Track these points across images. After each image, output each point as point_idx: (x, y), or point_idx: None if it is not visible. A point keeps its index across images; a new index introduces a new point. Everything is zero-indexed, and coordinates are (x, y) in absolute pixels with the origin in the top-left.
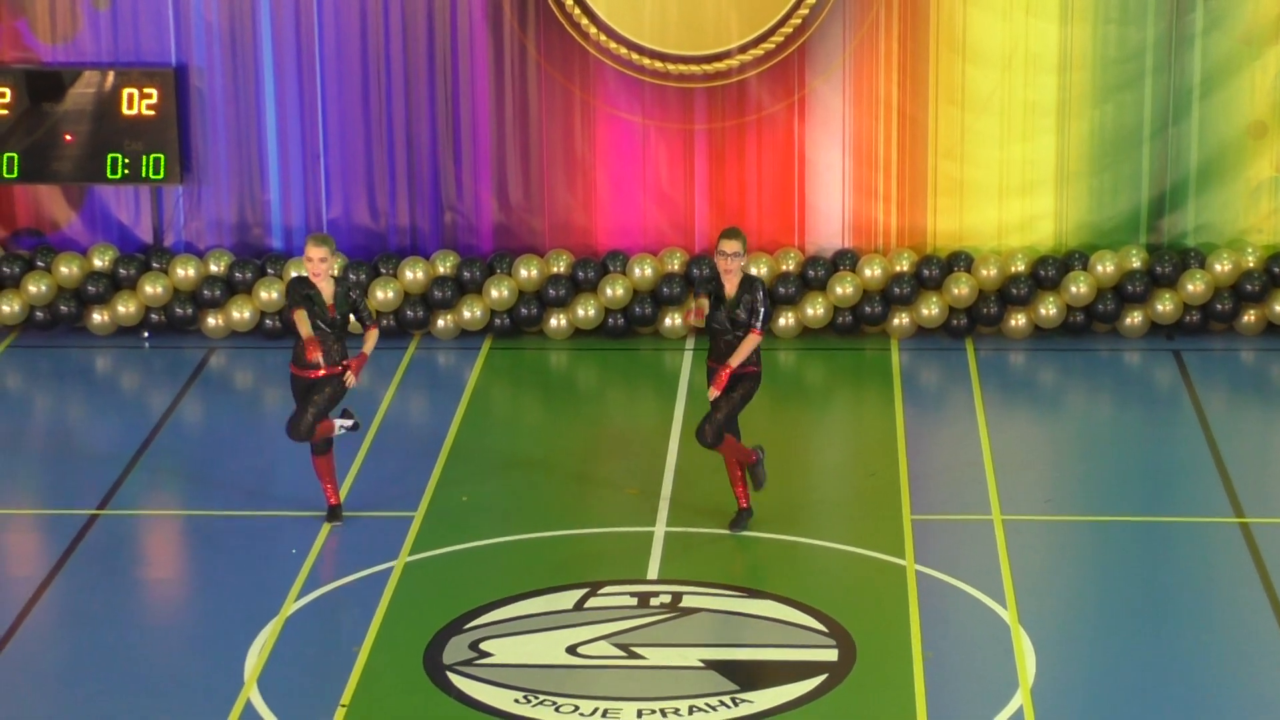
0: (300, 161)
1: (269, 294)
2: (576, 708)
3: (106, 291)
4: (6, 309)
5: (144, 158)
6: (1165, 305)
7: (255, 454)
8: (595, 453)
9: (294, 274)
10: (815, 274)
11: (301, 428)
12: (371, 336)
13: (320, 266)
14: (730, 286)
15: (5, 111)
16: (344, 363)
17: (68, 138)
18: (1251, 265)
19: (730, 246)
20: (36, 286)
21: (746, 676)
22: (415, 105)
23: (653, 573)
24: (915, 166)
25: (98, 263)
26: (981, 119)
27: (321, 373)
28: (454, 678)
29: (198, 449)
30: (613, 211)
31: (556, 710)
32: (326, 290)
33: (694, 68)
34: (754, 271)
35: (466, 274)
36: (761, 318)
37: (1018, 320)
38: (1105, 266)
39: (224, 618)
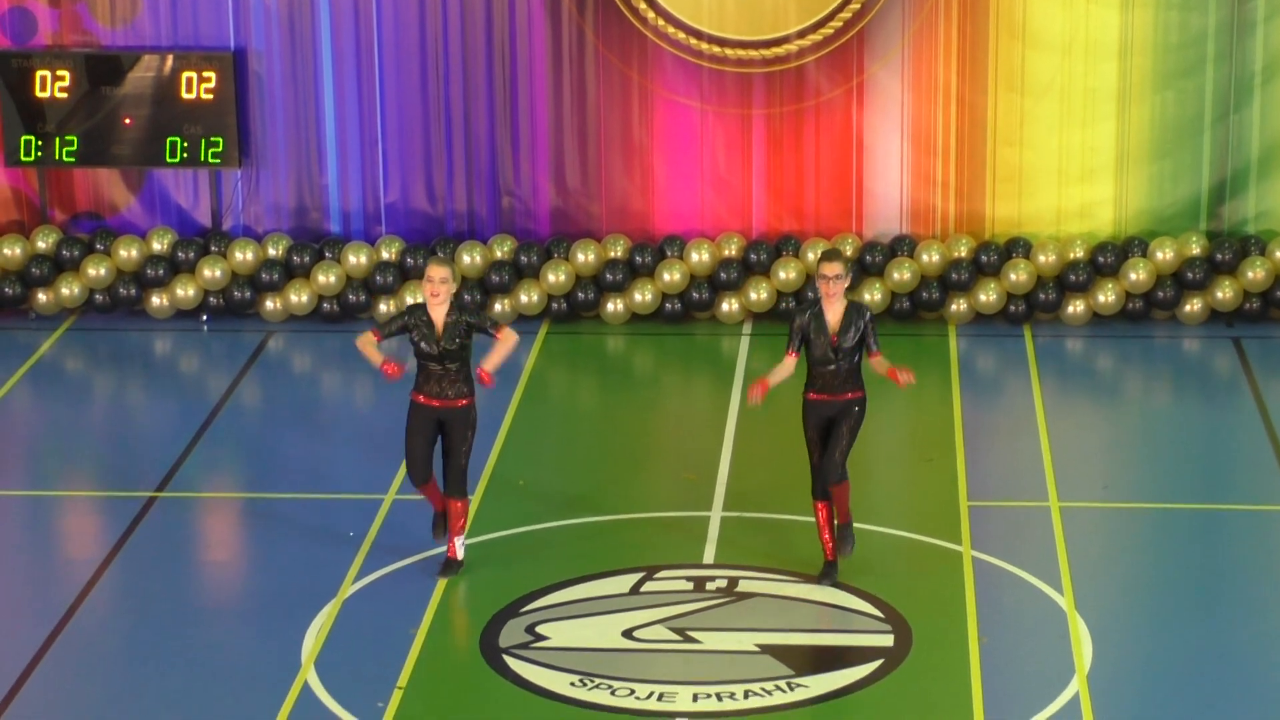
0: (358, 146)
1: (327, 278)
2: (632, 691)
3: (165, 275)
4: (66, 292)
5: (202, 141)
6: (1225, 292)
7: (313, 437)
8: (651, 438)
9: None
10: (873, 260)
11: (451, 486)
12: (504, 340)
13: (441, 288)
14: (833, 313)
15: (65, 95)
16: (479, 371)
17: (127, 121)
18: None
19: (832, 269)
20: (96, 270)
21: (802, 661)
22: (473, 89)
23: (709, 557)
24: (974, 152)
25: (156, 246)
26: (1041, 105)
27: (436, 403)
28: (510, 661)
29: (256, 432)
30: (670, 196)
31: (612, 694)
32: (439, 317)
33: (752, 53)
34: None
35: (524, 258)
36: (877, 341)
37: (1076, 307)
38: (1165, 253)
39: (282, 600)
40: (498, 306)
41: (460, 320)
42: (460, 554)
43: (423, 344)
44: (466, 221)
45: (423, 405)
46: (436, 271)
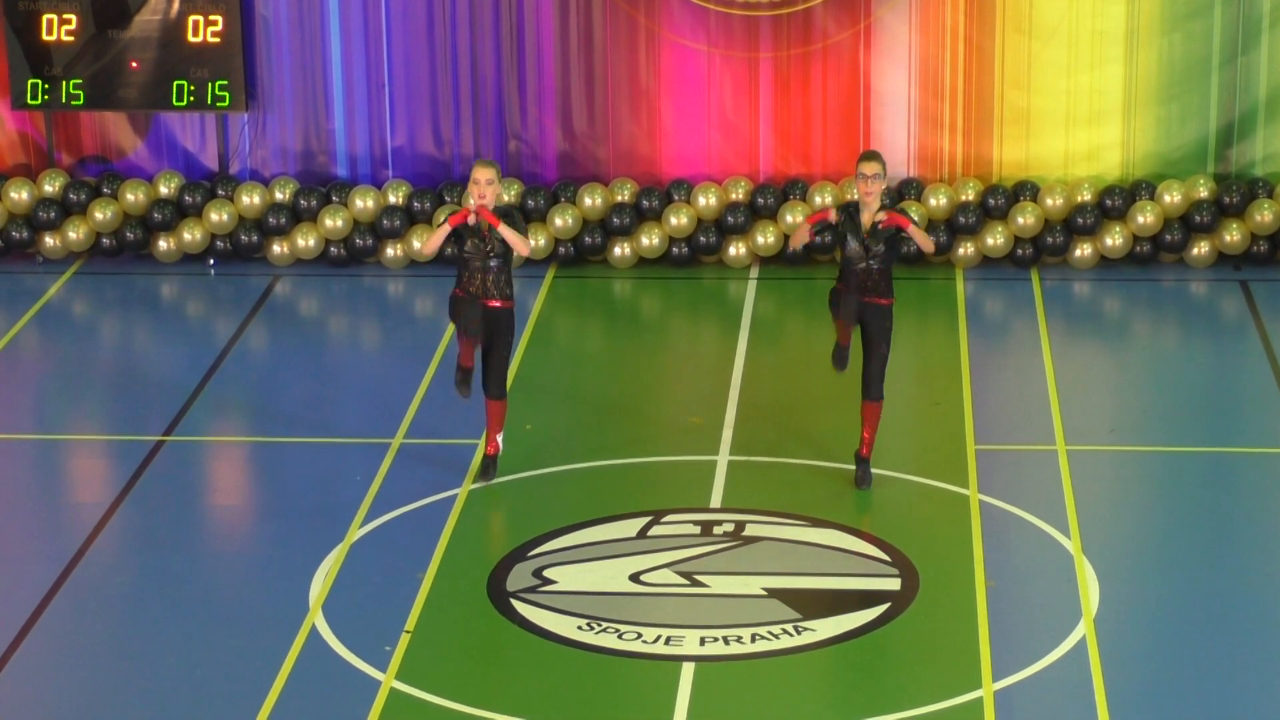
0: (365, 89)
1: (334, 222)
2: (639, 635)
3: (172, 219)
4: (73, 235)
5: (209, 85)
6: (1232, 235)
7: (320, 381)
8: (658, 381)
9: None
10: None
11: (492, 388)
12: (514, 238)
13: (487, 190)
14: (869, 213)
15: (71, 38)
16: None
17: (133, 64)
18: None
19: (870, 168)
20: (103, 213)
21: (809, 605)
22: (480, 33)
23: (716, 501)
24: (982, 95)
25: (163, 190)
26: (1049, 47)
27: (466, 293)
28: (518, 604)
29: (263, 376)
30: (677, 140)
31: (619, 637)
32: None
33: None
34: (828, 200)
35: (531, 202)
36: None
37: (1083, 250)
38: (1172, 196)
39: (289, 544)
40: None
41: (507, 213)
42: (499, 448)
43: (472, 240)
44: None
45: (463, 297)
46: (483, 173)
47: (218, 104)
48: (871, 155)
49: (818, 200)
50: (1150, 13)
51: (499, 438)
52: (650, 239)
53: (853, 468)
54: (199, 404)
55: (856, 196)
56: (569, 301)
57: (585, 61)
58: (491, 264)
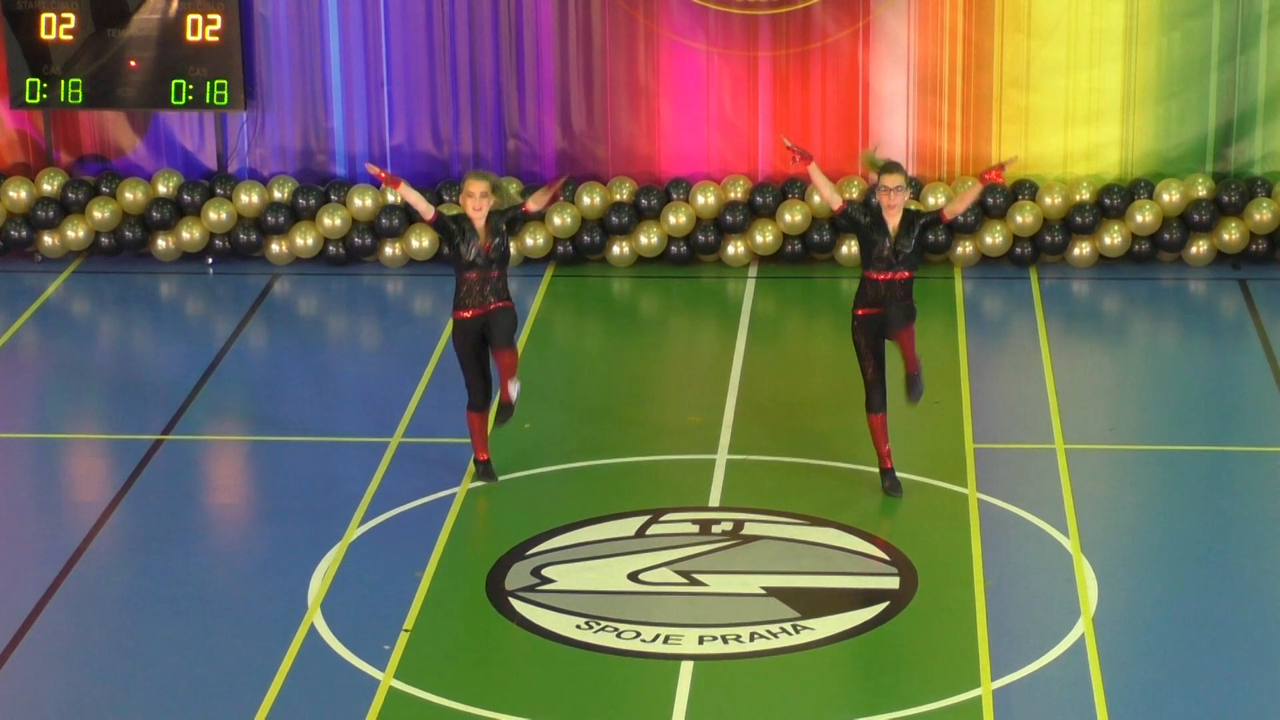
0: (364, 88)
1: (332, 221)
2: (638, 634)
3: (171, 217)
4: (72, 234)
5: (208, 84)
6: (1231, 234)
7: (318, 380)
8: (657, 380)
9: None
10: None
11: (501, 344)
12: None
13: (482, 202)
14: (893, 221)
15: (70, 37)
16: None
17: (132, 64)
18: None
19: (894, 180)
20: (101, 212)
21: (808, 604)
22: (479, 31)
23: (714, 500)
24: (980, 94)
25: (162, 189)
26: (1048, 46)
27: (476, 312)
28: (516, 603)
29: (261, 375)
30: (676, 139)
31: (618, 636)
32: (482, 228)
33: None
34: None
35: None
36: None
37: (1082, 249)
38: (1171, 195)
39: (288, 543)
40: None
41: (499, 222)
42: (514, 396)
43: (471, 251)
44: (472, 164)
45: (466, 320)
46: (476, 185)
47: (216, 103)
48: (894, 167)
49: (816, 200)
50: (1149, 11)
51: (512, 386)
52: (649, 238)
53: (852, 466)
54: (197, 403)
55: (875, 201)
56: (568, 301)
57: (584, 60)
58: (491, 276)
